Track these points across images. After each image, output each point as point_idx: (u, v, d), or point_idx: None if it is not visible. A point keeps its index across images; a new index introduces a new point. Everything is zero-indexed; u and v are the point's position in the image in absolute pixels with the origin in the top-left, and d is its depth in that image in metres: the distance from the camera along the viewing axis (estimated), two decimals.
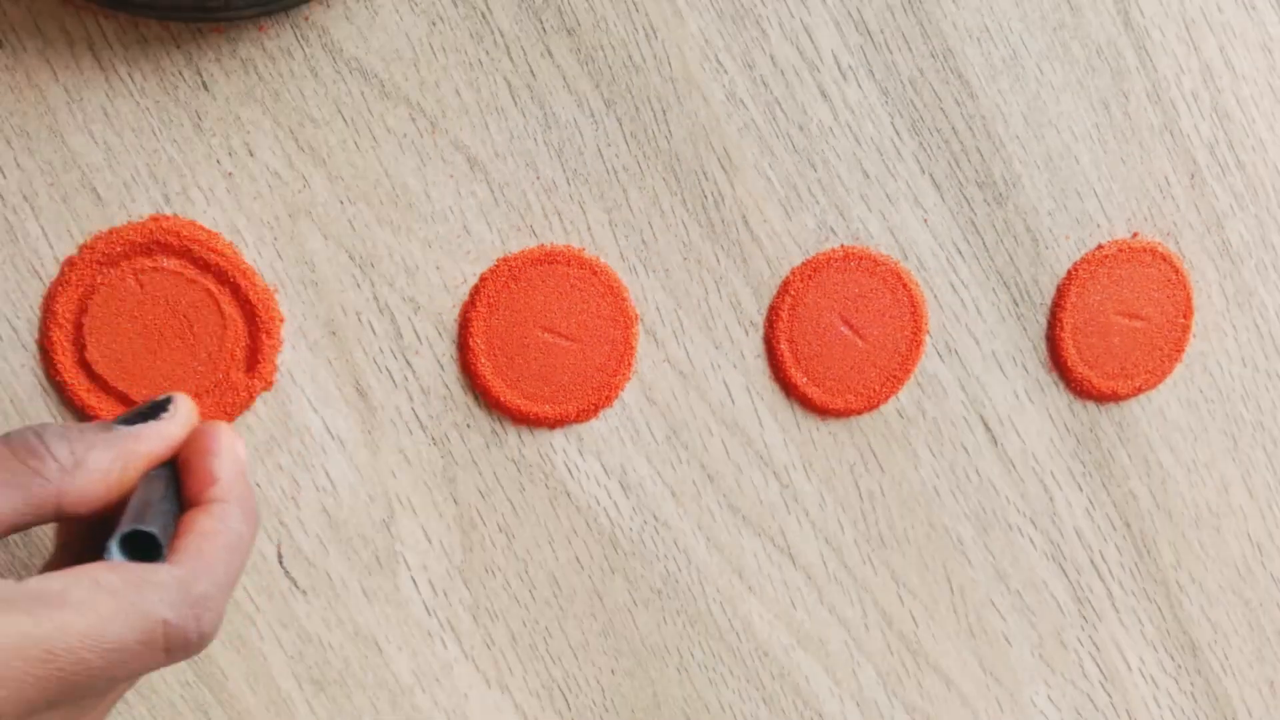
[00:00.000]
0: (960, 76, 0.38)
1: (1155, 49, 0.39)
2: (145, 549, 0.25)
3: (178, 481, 0.27)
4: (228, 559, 0.25)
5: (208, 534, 0.25)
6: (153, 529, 0.25)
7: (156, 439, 0.27)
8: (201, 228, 0.35)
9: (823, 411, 0.40)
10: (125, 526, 0.24)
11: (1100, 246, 0.40)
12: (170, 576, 0.24)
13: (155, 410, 0.27)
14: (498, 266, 0.37)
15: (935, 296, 0.40)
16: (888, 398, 0.40)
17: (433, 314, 0.37)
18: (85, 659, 0.22)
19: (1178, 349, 0.42)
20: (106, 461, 0.26)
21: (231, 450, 0.27)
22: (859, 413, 0.40)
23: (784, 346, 0.39)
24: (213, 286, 0.35)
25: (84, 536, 0.28)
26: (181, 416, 0.27)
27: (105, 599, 0.22)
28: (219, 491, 0.26)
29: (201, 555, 0.25)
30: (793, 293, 0.39)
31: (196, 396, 0.35)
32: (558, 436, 0.38)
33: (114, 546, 0.24)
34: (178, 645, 0.23)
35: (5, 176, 0.34)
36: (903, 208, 0.39)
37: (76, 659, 0.22)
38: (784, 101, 0.37)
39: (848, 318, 0.39)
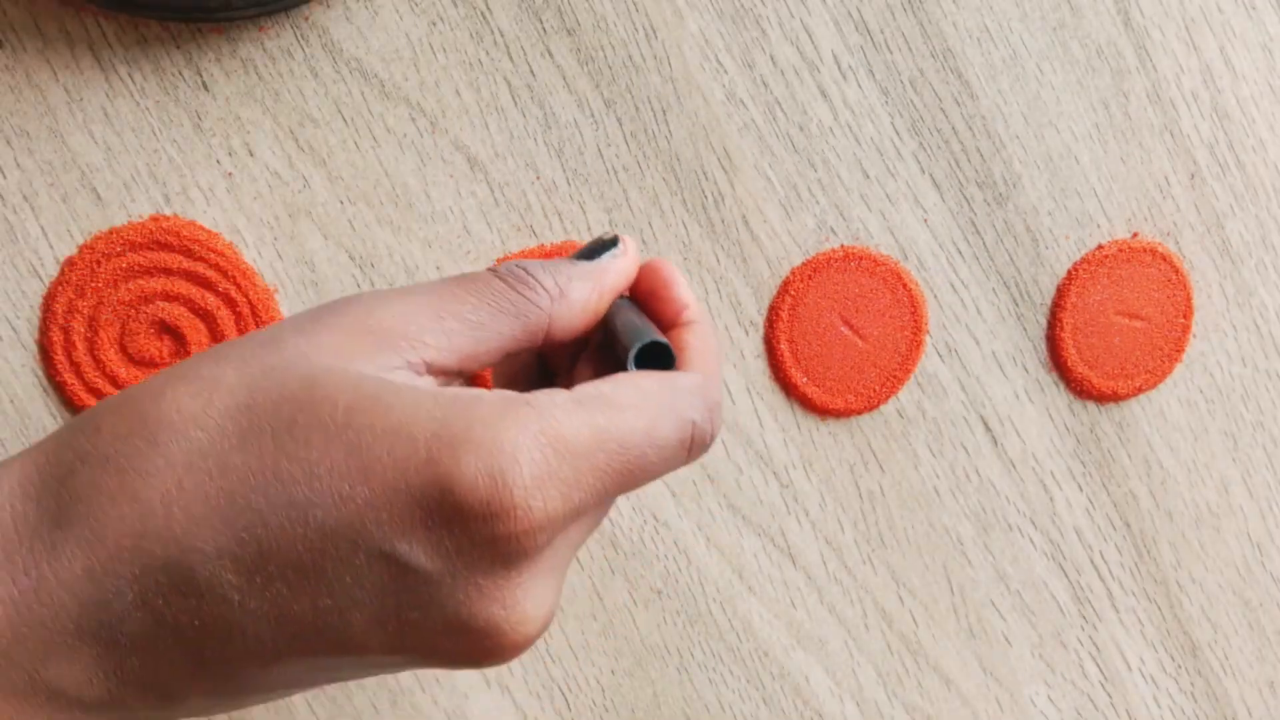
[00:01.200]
0: (960, 76, 0.38)
1: (1155, 49, 0.39)
2: (656, 362, 0.26)
3: (639, 310, 0.29)
4: (719, 369, 0.27)
5: (700, 349, 0.27)
6: (665, 341, 0.26)
7: (621, 273, 0.28)
8: (201, 228, 0.35)
9: (823, 411, 0.40)
10: (641, 340, 0.26)
11: (1100, 246, 0.40)
12: (692, 382, 0.26)
13: (605, 246, 0.29)
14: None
15: (935, 296, 0.40)
16: (888, 398, 0.40)
17: None
18: (646, 454, 0.24)
19: (1178, 349, 0.42)
20: (585, 292, 0.27)
21: (683, 278, 0.30)
22: (859, 413, 0.40)
23: (784, 346, 0.39)
24: (212, 286, 0.35)
25: (560, 360, 0.30)
26: (633, 253, 0.29)
27: (651, 402, 0.24)
28: (692, 314, 0.28)
29: (706, 365, 0.27)
30: (793, 293, 0.39)
31: None
32: None
33: (633, 359, 0.26)
34: (699, 446, 0.25)
35: (5, 176, 0.34)
36: (903, 208, 0.39)
37: (640, 454, 0.24)
38: (784, 101, 0.37)
39: (848, 318, 0.39)
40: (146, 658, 0.22)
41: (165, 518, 0.22)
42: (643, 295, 0.29)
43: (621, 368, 0.26)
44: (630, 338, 0.26)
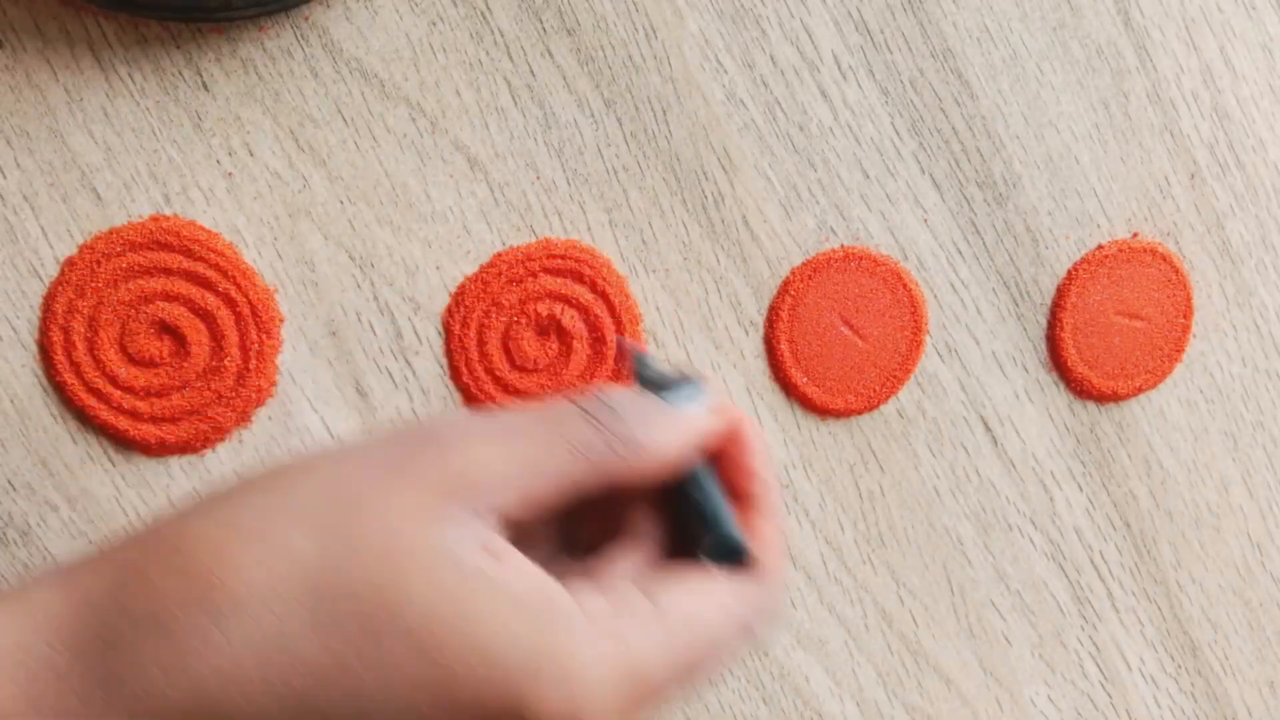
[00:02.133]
0: (960, 76, 0.38)
1: (1155, 49, 0.39)
2: (726, 550, 0.26)
3: (714, 475, 0.28)
4: (784, 566, 0.27)
5: (771, 542, 0.27)
6: (744, 543, 0.26)
7: (704, 430, 0.27)
8: (201, 228, 0.35)
9: (823, 411, 0.40)
10: (720, 532, 0.26)
11: (1100, 246, 0.40)
12: (766, 596, 0.26)
13: (690, 389, 0.27)
14: (492, 263, 0.37)
15: (935, 296, 0.40)
16: (888, 398, 0.40)
17: (433, 314, 0.37)
18: (711, 671, 0.24)
19: (1178, 349, 0.42)
20: (671, 446, 0.26)
21: (762, 443, 0.28)
22: (859, 413, 0.40)
23: (784, 346, 0.39)
24: (212, 286, 0.35)
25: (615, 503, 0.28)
26: (721, 413, 0.27)
27: (731, 620, 0.24)
28: (761, 488, 0.27)
29: (775, 563, 0.27)
30: (793, 293, 0.39)
31: (196, 397, 0.36)
32: None
33: (708, 553, 0.25)
34: (748, 651, 0.26)
35: (5, 176, 0.34)
36: (903, 208, 0.39)
37: (707, 673, 0.24)
38: (784, 101, 0.37)
39: (848, 318, 0.39)
40: None
41: (220, 700, 0.21)
42: (718, 455, 0.28)
43: (685, 530, 0.26)
44: (709, 522, 0.26)
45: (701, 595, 0.24)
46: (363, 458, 0.24)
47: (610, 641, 0.22)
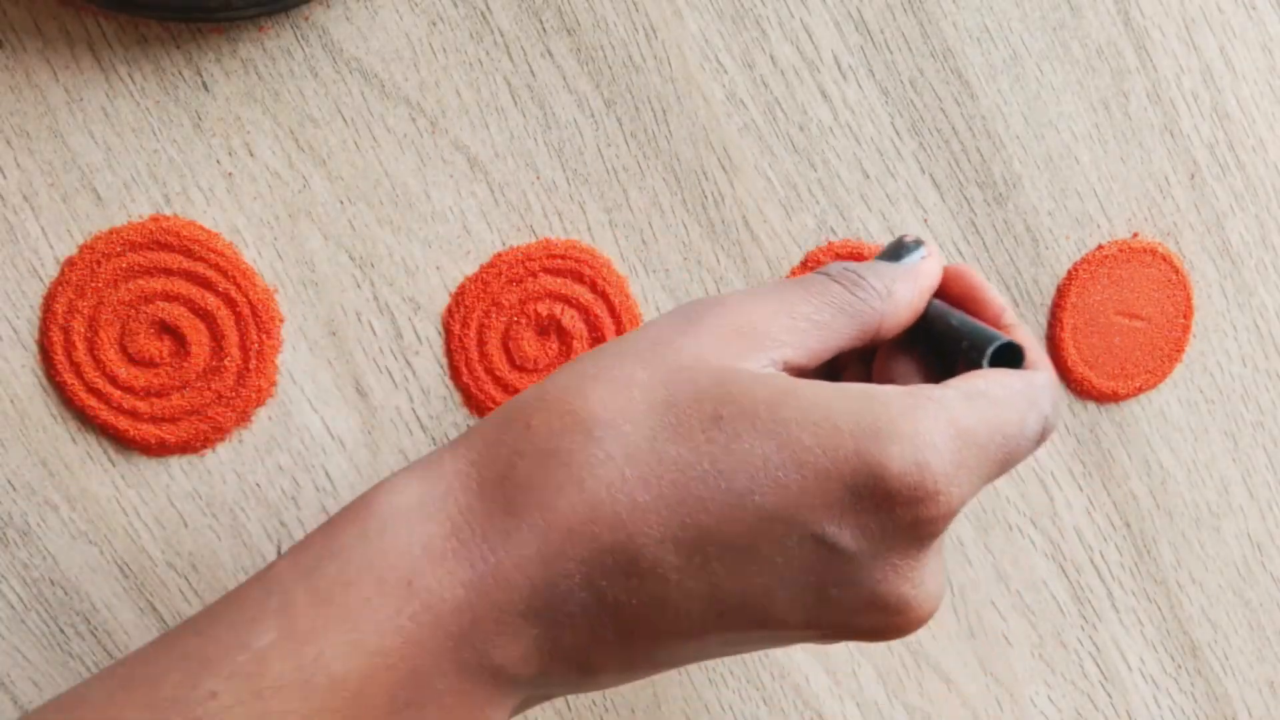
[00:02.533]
0: (960, 76, 0.38)
1: (1155, 49, 0.39)
2: (1004, 360, 0.28)
3: (958, 311, 0.31)
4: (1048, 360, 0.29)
5: (1035, 348, 0.29)
6: (1018, 343, 0.28)
7: (934, 274, 0.30)
8: (201, 228, 0.35)
9: None
10: (997, 340, 0.28)
11: (1100, 246, 0.40)
12: (1046, 379, 0.28)
13: (908, 248, 0.30)
14: (492, 263, 0.37)
15: None
16: None
17: (433, 314, 0.37)
18: (1020, 445, 0.26)
19: (1178, 349, 0.42)
20: (909, 292, 0.29)
21: (983, 278, 0.32)
22: None
23: None
24: (212, 286, 0.35)
25: (889, 356, 0.31)
26: (939, 255, 0.31)
27: (1021, 397, 0.26)
28: (1011, 316, 0.30)
29: (1044, 362, 0.29)
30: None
31: (196, 397, 0.36)
32: None
33: (989, 357, 0.28)
34: (1046, 437, 0.28)
35: (5, 176, 0.34)
36: (903, 208, 0.39)
37: (1016, 444, 0.26)
38: (784, 101, 0.37)
39: None
40: (580, 635, 0.24)
41: (612, 505, 0.24)
42: (954, 299, 0.31)
43: (945, 363, 0.29)
44: (979, 336, 0.28)
45: (992, 379, 0.26)
46: (664, 319, 0.27)
47: (935, 405, 0.24)
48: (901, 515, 0.24)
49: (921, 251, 0.30)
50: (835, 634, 0.26)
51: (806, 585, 0.24)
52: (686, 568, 0.24)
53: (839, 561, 0.24)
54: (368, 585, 0.23)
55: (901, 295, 0.29)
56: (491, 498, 0.24)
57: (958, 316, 0.30)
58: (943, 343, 0.29)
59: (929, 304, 0.30)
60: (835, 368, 0.31)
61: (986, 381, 0.26)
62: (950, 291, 0.31)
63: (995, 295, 0.31)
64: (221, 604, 0.25)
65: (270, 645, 0.23)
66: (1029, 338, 0.30)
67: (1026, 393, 0.27)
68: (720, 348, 0.26)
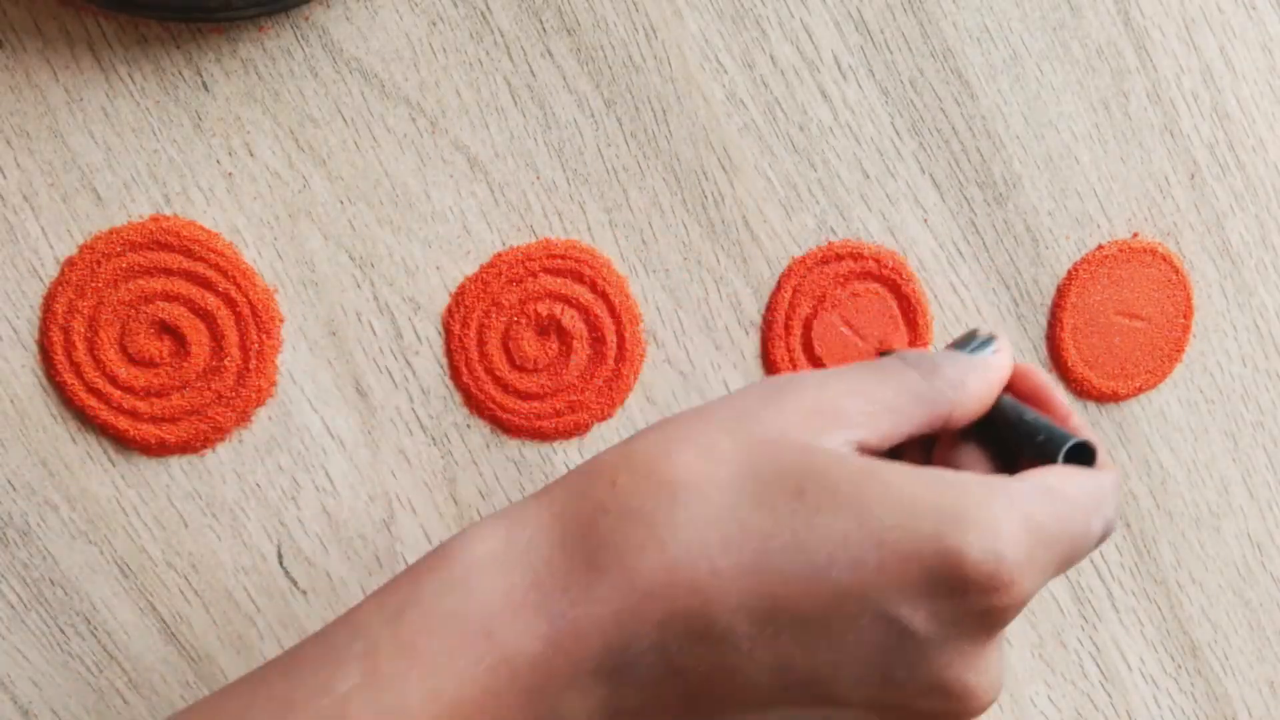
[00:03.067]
0: (960, 76, 0.38)
1: (1155, 49, 0.39)
2: (1076, 459, 0.29)
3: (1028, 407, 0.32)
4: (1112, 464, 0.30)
5: (1102, 451, 0.30)
6: (1094, 443, 0.29)
7: (1006, 370, 0.31)
8: (201, 228, 0.35)
9: None
10: (1073, 439, 0.28)
11: (1100, 246, 0.40)
12: (1112, 482, 0.28)
13: (981, 342, 0.31)
14: (492, 262, 0.37)
15: (935, 296, 0.40)
16: None
17: (433, 314, 0.37)
18: (1083, 546, 0.26)
19: (1178, 349, 0.42)
20: (981, 384, 0.30)
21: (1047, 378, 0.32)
22: None
23: (781, 350, 0.39)
24: (212, 286, 0.35)
25: (951, 446, 0.32)
26: (1009, 353, 0.31)
27: (1090, 498, 0.27)
28: (1078, 420, 0.31)
29: (1109, 464, 0.29)
30: (792, 288, 0.39)
31: (196, 397, 0.36)
32: None
33: (1064, 455, 0.28)
34: (1104, 540, 0.28)
35: (5, 176, 0.34)
36: (903, 208, 0.39)
37: (1081, 545, 0.26)
38: (784, 101, 0.37)
39: (848, 318, 0.39)
40: (645, 697, 0.24)
41: (691, 569, 0.24)
42: (1022, 396, 0.32)
43: (1007, 456, 0.30)
44: (1055, 433, 0.29)
45: (1064, 476, 0.27)
46: (748, 392, 0.28)
47: (1008, 498, 0.25)
48: (975, 603, 0.24)
49: (994, 345, 0.31)
50: (894, 716, 0.25)
51: (873, 665, 0.24)
52: (759, 638, 0.24)
53: (909, 644, 0.24)
54: (449, 635, 0.24)
55: (974, 387, 0.29)
56: (573, 552, 0.25)
57: (1030, 412, 0.30)
58: (1010, 436, 0.30)
59: (999, 398, 0.31)
60: (895, 452, 0.32)
61: (1058, 478, 0.27)
62: (1016, 388, 0.32)
63: (1062, 397, 0.31)
64: (310, 643, 0.25)
65: (353, 690, 0.24)
66: (1088, 433, 0.30)
67: (1096, 493, 0.27)
68: (801, 424, 0.26)
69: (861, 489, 0.24)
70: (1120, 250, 0.40)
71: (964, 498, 0.24)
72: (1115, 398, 0.41)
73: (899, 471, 0.25)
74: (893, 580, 0.24)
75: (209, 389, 0.36)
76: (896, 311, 0.39)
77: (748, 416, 0.26)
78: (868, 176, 0.38)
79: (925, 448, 0.32)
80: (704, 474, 0.25)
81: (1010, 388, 0.32)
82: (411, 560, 0.38)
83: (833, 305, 0.39)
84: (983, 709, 0.25)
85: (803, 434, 0.26)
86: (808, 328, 0.39)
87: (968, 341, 0.31)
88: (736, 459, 0.25)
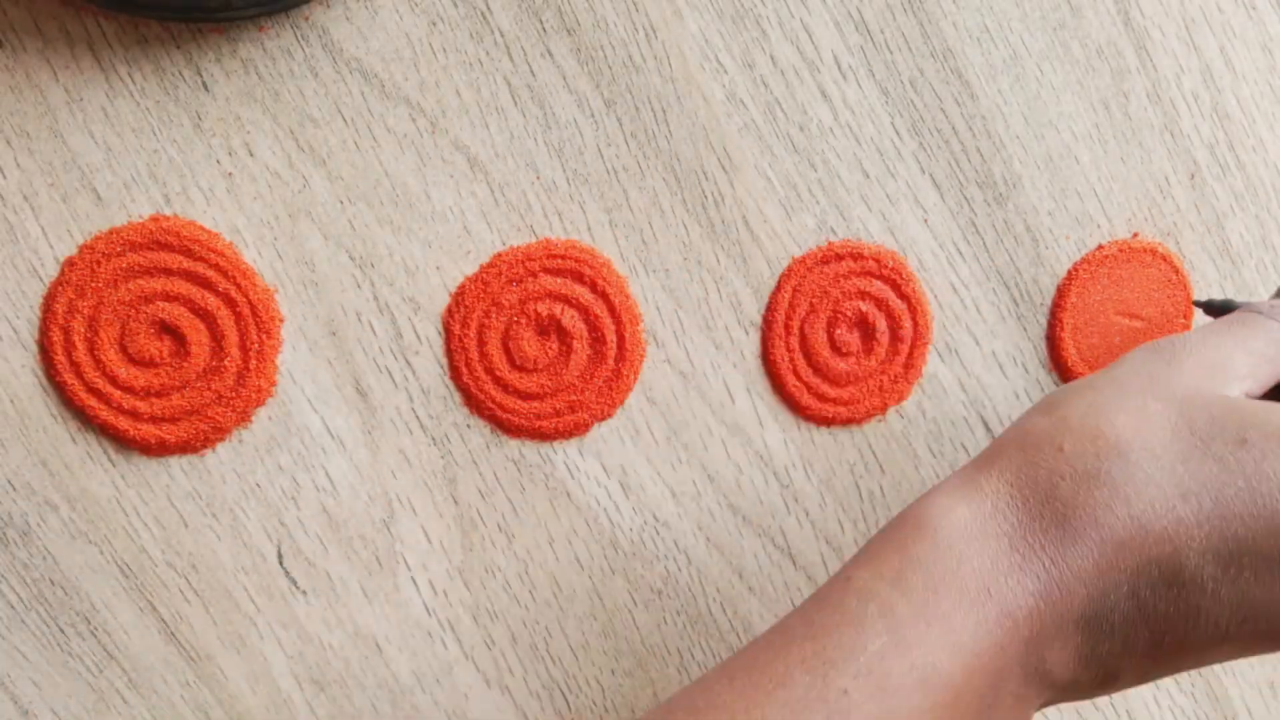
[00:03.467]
0: (960, 76, 0.38)
1: (1155, 49, 0.39)
2: None
3: None
4: None
5: None
6: None
7: None
8: (201, 228, 0.35)
9: (820, 419, 0.40)
10: None
11: (1100, 246, 0.40)
12: None
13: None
14: (492, 262, 0.37)
15: (935, 296, 0.40)
16: (891, 404, 0.40)
17: (433, 314, 0.37)
18: None
19: None
20: None
21: None
22: (859, 422, 0.40)
23: (780, 351, 0.39)
24: (212, 286, 0.35)
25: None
26: None
27: None
28: None
29: None
30: (792, 288, 0.39)
31: (196, 397, 0.36)
32: None
33: None
34: None
35: (5, 176, 0.34)
36: (903, 208, 0.39)
37: None
38: (784, 101, 0.37)
39: (846, 319, 0.39)
40: (1115, 643, 0.27)
41: (1157, 520, 0.26)
42: None
43: None
44: None
45: None
46: (1137, 357, 0.30)
47: None
48: None
49: None
50: None
51: None
52: (1222, 578, 0.26)
53: None
54: (954, 594, 0.26)
55: None
56: (1040, 516, 0.27)
57: None
58: None
59: None
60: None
61: None
62: None
63: None
64: (814, 609, 0.27)
65: (884, 647, 0.26)
66: None
67: None
68: (1205, 380, 0.28)
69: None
70: (1120, 250, 0.40)
71: None
72: None
73: None
74: None
75: (209, 389, 0.36)
76: (898, 313, 0.39)
77: (1158, 380, 0.28)
78: (868, 176, 0.38)
79: None
80: (1146, 434, 0.27)
81: None
82: (412, 559, 0.38)
83: (832, 305, 0.39)
84: None
85: (1205, 381, 0.28)
86: (807, 327, 0.39)
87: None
88: (1169, 416, 0.27)
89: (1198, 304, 0.37)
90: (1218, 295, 0.41)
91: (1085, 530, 0.26)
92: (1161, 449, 0.27)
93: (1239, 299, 0.33)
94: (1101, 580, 0.26)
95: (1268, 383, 0.30)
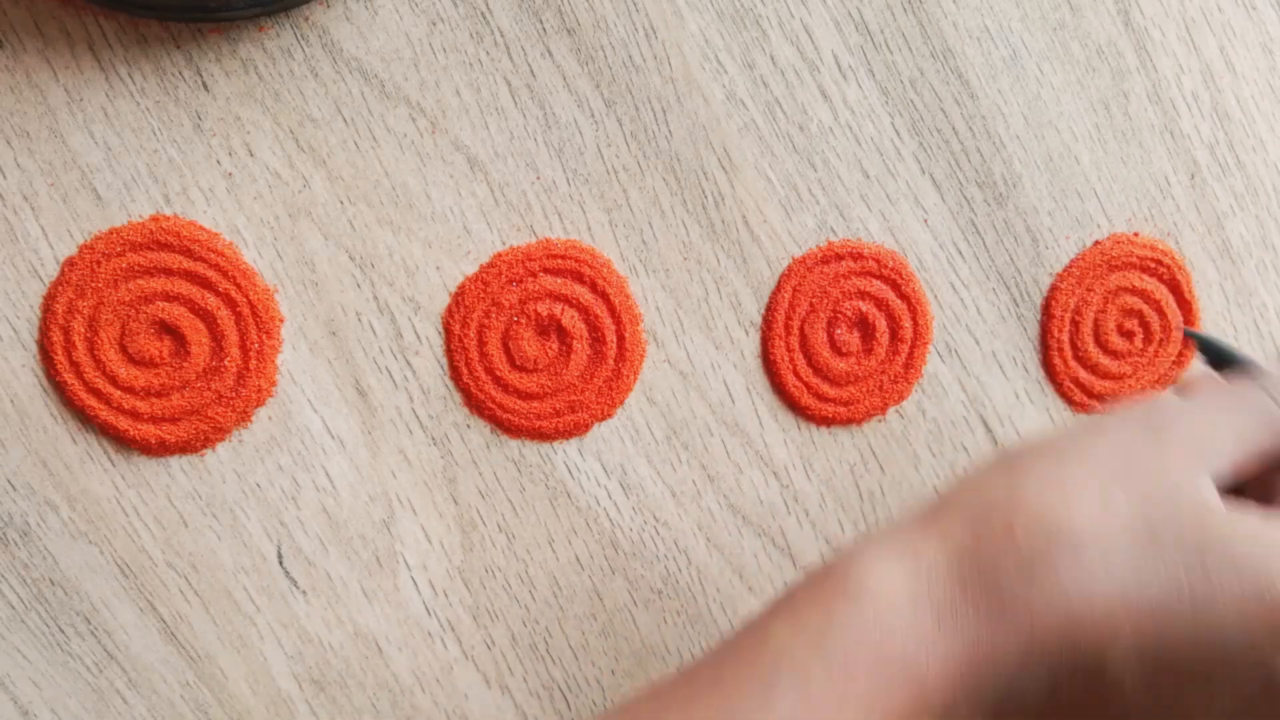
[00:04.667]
0: (960, 76, 0.38)
1: (1155, 49, 0.39)
2: None
3: None
4: None
5: None
6: None
7: None
8: (201, 228, 0.35)
9: (821, 419, 0.40)
10: None
11: (1097, 243, 0.40)
12: None
13: (1236, 357, 0.32)
14: (492, 262, 0.37)
15: (935, 296, 0.40)
16: (891, 404, 0.40)
17: (433, 314, 0.37)
18: None
19: (1178, 350, 0.41)
20: None
21: None
22: (859, 421, 0.40)
23: (780, 350, 0.39)
24: (212, 286, 0.35)
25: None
26: None
27: None
28: None
29: None
30: (791, 289, 0.39)
31: (196, 397, 0.36)
32: None
33: None
34: None
35: (5, 176, 0.34)
36: (903, 208, 0.39)
37: None
38: (784, 101, 0.37)
39: (844, 319, 0.39)
40: None
41: (1092, 616, 0.25)
42: None
43: None
44: None
45: None
46: (1125, 427, 0.29)
47: None
48: None
49: None
50: None
51: (1238, 709, 0.26)
52: (1140, 680, 0.26)
53: (1274, 696, 0.25)
54: (871, 662, 0.26)
55: None
56: (975, 596, 0.26)
57: None
58: None
59: None
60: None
61: None
62: None
63: None
64: (728, 659, 0.27)
65: (793, 711, 0.25)
66: None
67: None
68: (1182, 463, 0.27)
69: (1262, 558, 0.26)
70: (1120, 249, 0.40)
71: None
72: (1116, 398, 0.41)
73: (1274, 533, 0.26)
74: (1275, 637, 0.25)
75: (209, 389, 0.36)
76: (898, 314, 0.39)
77: (1133, 463, 0.27)
78: (868, 176, 0.38)
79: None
80: (1102, 527, 0.26)
81: None
82: (412, 559, 0.38)
83: (831, 305, 0.39)
84: None
85: (1183, 473, 0.27)
86: (807, 327, 0.39)
87: (1245, 359, 0.31)
88: (1131, 512, 0.27)
89: (1189, 335, 0.36)
90: (1217, 296, 0.41)
91: (1018, 614, 0.26)
92: (1114, 546, 0.26)
93: (1241, 352, 0.33)
94: (1021, 665, 0.26)
95: (1247, 468, 0.29)
